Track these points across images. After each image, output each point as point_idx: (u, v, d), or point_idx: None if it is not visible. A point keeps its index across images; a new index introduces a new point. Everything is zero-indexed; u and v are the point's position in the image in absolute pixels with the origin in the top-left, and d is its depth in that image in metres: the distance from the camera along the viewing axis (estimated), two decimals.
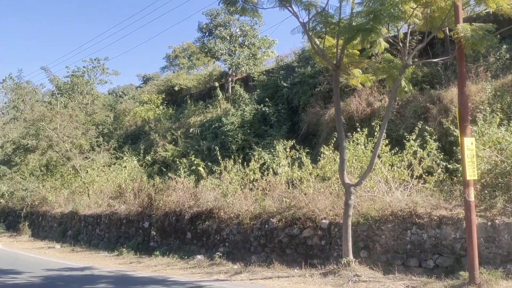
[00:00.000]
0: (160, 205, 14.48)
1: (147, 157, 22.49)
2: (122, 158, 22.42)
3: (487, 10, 7.87)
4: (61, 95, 32.63)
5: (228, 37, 24.17)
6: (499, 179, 9.15)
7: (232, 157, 14.70)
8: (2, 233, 22.26)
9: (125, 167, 20.86)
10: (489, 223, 8.07)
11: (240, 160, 13.94)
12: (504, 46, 13.54)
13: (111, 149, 23.48)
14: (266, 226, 11.20)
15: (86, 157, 21.97)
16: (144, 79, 41.59)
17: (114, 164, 22.09)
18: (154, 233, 14.24)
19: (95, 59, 34.10)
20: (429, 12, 7.90)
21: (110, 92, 39.96)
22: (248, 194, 12.75)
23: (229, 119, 19.80)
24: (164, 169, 19.69)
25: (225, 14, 23.57)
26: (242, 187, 13.09)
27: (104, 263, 12.94)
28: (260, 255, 11.14)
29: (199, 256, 12.02)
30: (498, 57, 13.43)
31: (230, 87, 24.24)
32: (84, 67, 33.81)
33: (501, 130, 10.03)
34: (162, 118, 25.84)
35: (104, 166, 21.66)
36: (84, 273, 11.16)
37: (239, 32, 24.31)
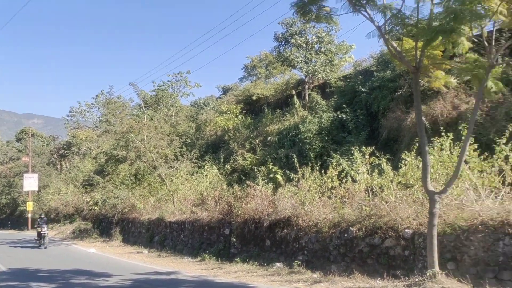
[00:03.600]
0: (239, 212, 14.81)
1: (226, 166, 23.13)
2: (203, 167, 23.26)
3: None
4: (147, 108, 34.74)
5: (304, 45, 24.17)
6: None
7: (310, 164, 14.63)
8: (96, 238, 24.12)
9: (206, 175, 21.62)
10: None
11: (317, 168, 13.83)
12: None
13: (193, 158, 24.49)
14: (346, 235, 11.00)
15: (170, 166, 23.15)
16: (224, 90, 42.89)
17: (196, 172, 23.00)
18: (235, 239, 14.57)
19: (178, 73, 35.99)
20: None
21: (192, 103, 41.73)
22: (327, 202, 12.61)
23: (306, 127, 19.77)
24: (243, 177, 20.12)
25: (301, 22, 23.64)
26: (320, 195, 12.97)
27: (188, 268, 13.49)
28: (340, 265, 10.95)
29: (278, 264, 12.10)
30: None
31: (306, 95, 24.21)
32: (168, 81, 35.82)
33: None
34: (241, 127, 26.44)
35: (187, 174, 22.65)
36: (170, 278, 11.75)
37: (315, 39, 24.21)
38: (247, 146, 23.87)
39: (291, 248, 12.48)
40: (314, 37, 24.21)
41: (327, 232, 11.51)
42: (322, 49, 23.91)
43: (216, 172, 22.34)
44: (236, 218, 14.94)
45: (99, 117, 43.16)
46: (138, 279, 11.44)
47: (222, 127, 28.10)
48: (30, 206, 37.72)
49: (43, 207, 36.06)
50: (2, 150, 65.63)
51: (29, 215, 37.74)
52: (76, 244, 22.36)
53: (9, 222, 37.99)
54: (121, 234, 22.48)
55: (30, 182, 38.29)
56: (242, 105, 28.68)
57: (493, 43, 7.80)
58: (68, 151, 46.66)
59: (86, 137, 42.39)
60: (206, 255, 14.73)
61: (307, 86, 24.56)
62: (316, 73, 23.39)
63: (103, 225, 25.72)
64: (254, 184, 15.37)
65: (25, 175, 39.41)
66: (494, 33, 7.99)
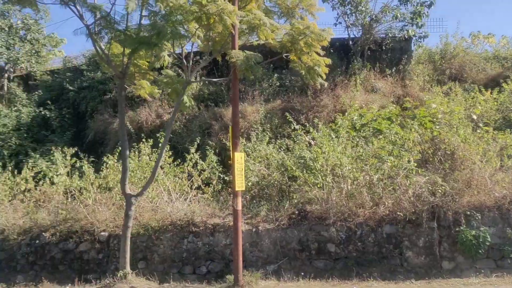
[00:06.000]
0: None
1: None
2: None
3: (259, 41, 8.92)
4: None
5: (6, 28, 21.19)
6: (265, 190, 10.42)
7: (2, 163, 12.90)
8: None
9: None
10: (254, 230, 9.08)
11: (11, 167, 12.35)
12: (275, 75, 15.58)
13: None
14: (37, 241, 10.15)
15: None
16: None
17: None
18: None
19: None
20: (211, 35, 8.52)
21: None
22: (18, 206, 11.35)
23: (1, 121, 17.31)
24: None
25: (3, 2, 20.65)
26: (11, 198, 11.59)
27: None
28: (27, 274, 10.00)
29: None
30: (270, 84, 15.38)
31: (5, 84, 21.26)
32: None
33: (269, 147, 11.46)
34: None
35: None
36: None
37: (20, 25, 21.58)
38: None
39: None
40: (19, 22, 21.58)
41: (15, 239, 10.34)
42: (28, 37, 21.54)
43: None
44: None
45: None
46: None
47: None
48: None
49: None
50: None
51: None
52: None
53: None
54: None
55: None
56: None
57: (191, 63, 8.80)
58: None
59: None
60: None
61: (6, 75, 21.58)
62: (18, 62, 20.84)
63: None
64: None
65: None
66: (192, 53, 9.04)
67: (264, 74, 15.24)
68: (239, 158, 8.08)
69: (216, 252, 9.08)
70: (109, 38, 8.59)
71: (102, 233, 9.78)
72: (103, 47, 8.68)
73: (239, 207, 8.03)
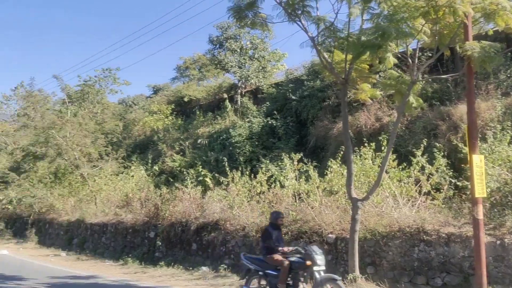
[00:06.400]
0: (166, 215, 14.52)
1: (154, 167, 22.55)
2: (130, 167, 22.51)
3: (495, 28, 7.83)
4: (71, 103, 32.91)
5: (238, 50, 24.31)
6: (509, 198, 9.03)
7: (240, 168, 14.69)
8: (9, 239, 22.39)
9: (133, 176, 20.94)
10: (498, 242, 7.95)
11: (247, 172, 13.92)
12: None
13: (120, 158, 23.61)
14: None
15: (94, 166, 22.12)
16: (155, 89, 41.81)
17: (122, 173, 22.20)
18: (160, 243, 14.22)
19: (106, 69, 34.38)
20: (437, 28, 7.89)
21: (120, 101, 40.20)
22: (255, 207, 12.71)
23: (236, 131, 19.84)
24: (171, 179, 19.72)
25: (236, 27, 23.76)
26: (249, 199, 13.06)
27: (109, 272, 12.94)
28: None
29: (204, 268, 11.96)
30: (509, 75, 13.33)
31: (239, 99, 24.35)
32: (95, 76, 34.12)
33: (511, 148, 9.93)
34: (171, 128, 25.94)
35: (112, 175, 21.79)
36: (89, 282, 11.20)
37: (249, 45, 24.46)
38: (177, 148, 23.46)
39: (217, 252, 12.42)
40: (248, 42, 24.45)
41: (254, 236, 11.58)
42: (256, 56, 24.21)
43: (143, 173, 21.70)
44: (162, 221, 14.62)
45: (16, 110, 40.09)
46: (55, 283, 10.77)
47: (152, 127, 27.38)
48: None
49: None
50: None
51: None
52: None
53: None
54: (36, 235, 21.07)
55: None
56: (173, 106, 28.14)
57: (416, 61, 8.33)
58: None
59: (2, 131, 39.16)
60: (129, 259, 14.22)
61: (239, 91, 24.69)
62: (249, 78, 23.62)
63: (16, 226, 23.98)
64: (182, 187, 15.15)
65: None
66: (417, 51, 8.55)
67: (500, 65, 13.36)
68: (478, 161, 7.22)
69: (453, 264, 8.30)
70: (332, 46, 8.85)
71: (330, 235, 10.08)
72: (326, 56, 9.00)
73: (480, 216, 7.17)
